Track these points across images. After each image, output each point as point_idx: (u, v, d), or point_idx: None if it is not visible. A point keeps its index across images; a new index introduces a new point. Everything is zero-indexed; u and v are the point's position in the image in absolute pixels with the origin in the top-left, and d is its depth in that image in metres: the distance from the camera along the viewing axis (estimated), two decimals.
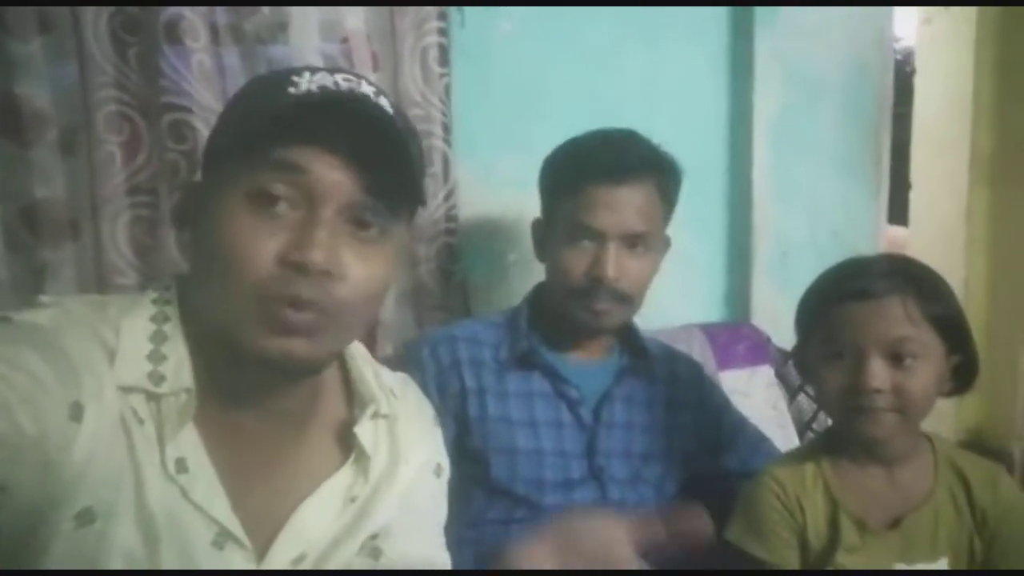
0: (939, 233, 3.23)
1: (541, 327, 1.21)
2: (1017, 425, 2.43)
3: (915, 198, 3.24)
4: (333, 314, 0.66)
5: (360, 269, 0.67)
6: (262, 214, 0.65)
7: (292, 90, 0.66)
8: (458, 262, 1.55)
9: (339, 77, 0.68)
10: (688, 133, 1.66)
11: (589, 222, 1.10)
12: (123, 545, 0.64)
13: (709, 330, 1.57)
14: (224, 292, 0.65)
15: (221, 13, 1.40)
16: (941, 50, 2.80)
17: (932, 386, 0.95)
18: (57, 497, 0.61)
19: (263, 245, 0.64)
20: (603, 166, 1.09)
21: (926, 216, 3.27)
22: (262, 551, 0.71)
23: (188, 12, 1.36)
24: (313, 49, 1.44)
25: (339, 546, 0.76)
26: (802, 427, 1.56)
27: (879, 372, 0.92)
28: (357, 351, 0.83)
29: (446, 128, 1.53)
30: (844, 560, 0.97)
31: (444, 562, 0.87)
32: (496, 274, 1.61)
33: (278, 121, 0.64)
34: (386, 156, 0.67)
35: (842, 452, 1.01)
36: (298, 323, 0.65)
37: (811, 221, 1.75)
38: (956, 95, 3.07)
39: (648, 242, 1.14)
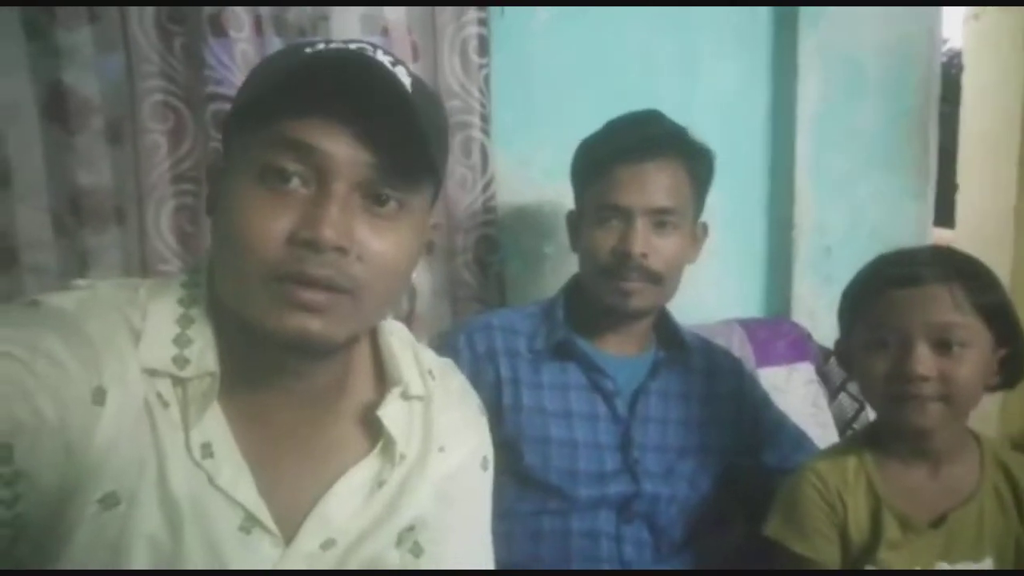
0: (986, 236, 3.16)
1: (577, 318, 1.21)
2: None
3: (962, 200, 3.18)
4: (350, 291, 0.65)
5: (378, 245, 0.66)
6: (274, 191, 0.64)
7: (307, 50, 0.66)
8: (495, 253, 1.55)
9: (353, 45, 0.67)
10: (729, 127, 1.65)
11: (615, 200, 1.11)
12: (147, 529, 0.64)
13: (748, 326, 1.54)
14: (239, 272, 0.64)
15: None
16: (989, 47, 2.74)
17: (979, 376, 0.93)
18: (80, 481, 0.61)
19: (274, 223, 0.63)
20: (628, 144, 1.11)
21: (972, 218, 3.20)
22: (289, 536, 0.70)
23: None
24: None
25: (371, 535, 0.75)
26: (843, 426, 1.53)
27: (925, 359, 0.91)
28: (396, 331, 0.82)
29: (485, 119, 1.52)
30: (886, 557, 0.95)
31: (487, 565, 0.85)
32: (533, 266, 1.60)
33: (285, 90, 0.62)
34: (397, 128, 0.64)
35: (886, 446, 0.99)
36: (311, 302, 0.63)
37: (853, 217, 1.71)
38: (1005, 94, 3.00)
39: (676, 220, 1.13)
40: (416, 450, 0.79)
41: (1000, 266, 3.21)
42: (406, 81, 0.66)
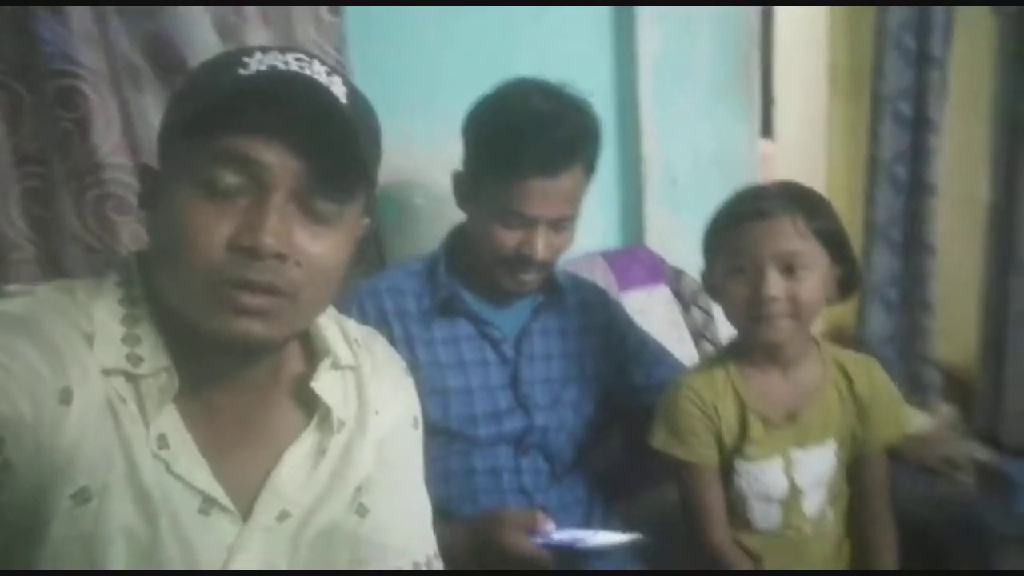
0: (803, 144, 3.48)
1: (460, 272, 1.27)
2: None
3: (779, 113, 3.47)
4: (289, 295, 0.69)
5: (315, 250, 0.69)
6: (213, 200, 0.66)
7: (241, 71, 0.67)
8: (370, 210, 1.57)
9: (290, 57, 0.69)
10: (577, 73, 1.72)
11: (522, 210, 1.13)
12: (121, 521, 0.67)
13: (609, 256, 1.67)
14: (181, 277, 0.67)
15: None
16: None
17: (820, 293, 1.08)
18: (51, 478, 0.64)
19: (215, 230, 0.66)
20: (538, 160, 1.11)
21: (789, 128, 3.50)
22: (246, 513, 0.75)
23: None
24: (201, 8, 1.39)
25: (324, 503, 0.79)
26: (696, 335, 1.71)
27: (775, 282, 1.04)
28: None
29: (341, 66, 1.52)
30: (751, 451, 1.11)
31: (427, 519, 0.92)
32: (406, 218, 1.64)
33: (224, 107, 0.65)
34: (333, 141, 0.68)
35: (746, 358, 1.14)
36: (253, 306, 0.67)
37: (695, 149, 1.87)
38: (812, 14, 3.26)
39: (574, 219, 1.20)
40: (353, 416, 0.84)
41: (816, 171, 3.56)
42: (341, 92, 0.69)
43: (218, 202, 0.66)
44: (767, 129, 3.52)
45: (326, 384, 0.81)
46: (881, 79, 2.42)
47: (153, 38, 1.37)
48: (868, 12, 3.08)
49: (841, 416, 1.15)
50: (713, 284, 1.15)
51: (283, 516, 0.77)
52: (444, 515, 1.15)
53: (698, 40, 1.86)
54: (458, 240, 1.29)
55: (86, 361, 0.67)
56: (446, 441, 1.20)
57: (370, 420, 0.85)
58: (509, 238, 1.16)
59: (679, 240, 1.83)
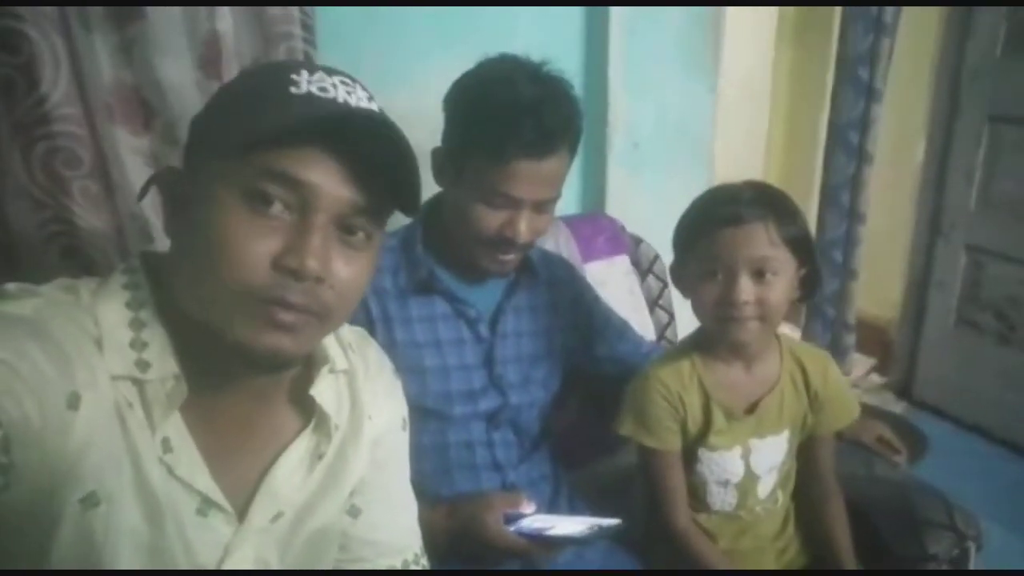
0: (748, 89, 3.52)
1: (435, 248, 1.26)
2: None
3: (725, 56, 3.48)
4: (318, 314, 0.70)
5: (346, 273, 0.71)
6: (257, 214, 0.67)
7: (293, 90, 0.67)
8: None
9: (336, 80, 0.70)
10: (546, 35, 1.70)
11: (508, 191, 1.13)
12: (129, 525, 0.69)
13: (572, 223, 1.67)
14: (213, 287, 0.67)
15: None
16: None
17: (787, 295, 1.12)
18: (58, 483, 0.64)
19: (259, 247, 0.66)
20: (526, 144, 1.10)
21: (735, 73, 3.52)
22: (242, 513, 0.77)
23: None
24: None
25: (319, 505, 0.82)
26: (651, 304, 1.75)
27: (746, 287, 1.08)
28: None
29: (308, 28, 1.44)
30: (714, 440, 1.17)
31: (414, 516, 0.96)
32: None
33: (280, 131, 0.65)
34: (393, 178, 0.70)
35: (710, 352, 1.19)
36: (287, 322, 0.68)
37: (658, 114, 1.86)
38: None
39: (556, 200, 1.20)
40: (347, 420, 0.86)
41: (758, 117, 3.61)
42: (397, 128, 0.70)
43: (264, 219, 0.67)
44: None
45: (324, 390, 0.82)
46: (844, 43, 2.44)
47: None
48: None
49: (796, 406, 1.21)
50: (683, 279, 1.18)
51: (277, 517, 0.79)
52: (419, 491, 1.18)
53: (669, 7, 1.84)
54: (434, 215, 1.27)
55: (94, 365, 0.67)
56: (421, 417, 1.20)
57: (364, 424, 0.87)
58: (493, 219, 1.16)
59: (638, 206, 1.85)
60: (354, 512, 0.88)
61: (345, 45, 1.51)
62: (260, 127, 0.65)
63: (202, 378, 0.72)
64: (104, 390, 0.67)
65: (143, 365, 0.69)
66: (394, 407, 0.94)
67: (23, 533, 0.65)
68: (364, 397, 0.88)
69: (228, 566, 0.75)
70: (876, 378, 3.11)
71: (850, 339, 2.85)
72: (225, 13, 1.35)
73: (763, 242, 1.08)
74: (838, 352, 2.80)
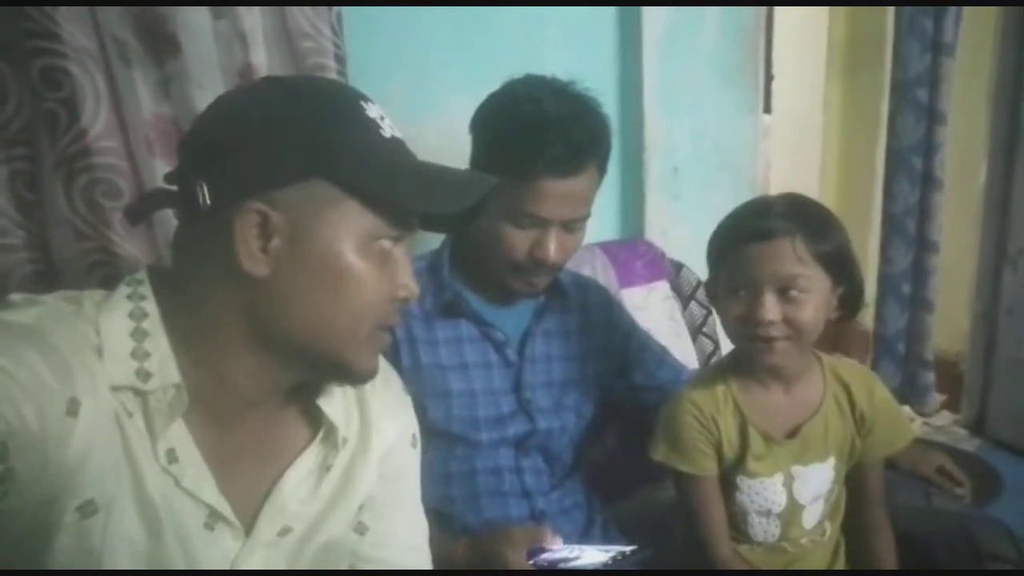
0: (800, 119, 3.46)
1: (463, 271, 1.25)
2: (866, 298, 2.72)
3: (777, 88, 3.44)
4: None
5: None
6: (377, 257, 0.74)
7: (383, 133, 0.74)
8: None
9: (388, 122, 0.77)
10: (579, 55, 1.69)
11: (537, 211, 1.11)
12: (127, 534, 0.69)
13: (609, 249, 1.65)
14: (335, 316, 0.73)
15: None
16: None
17: (818, 314, 1.06)
18: (57, 490, 0.64)
19: (380, 283, 0.74)
20: (552, 162, 1.08)
21: (787, 104, 3.47)
22: (249, 527, 0.76)
23: None
24: None
25: (327, 519, 0.81)
26: (695, 331, 1.70)
27: (771, 305, 1.03)
28: None
29: (340, 60, 1.46)
30: (753, 466, 1.11)
31: (424, 535, 0.94)
32: None
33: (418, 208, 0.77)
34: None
35: (746, 372, 1.13)
36: (385, 346, 0.80)
37: (696, 136, 1.83)
38: None
39: (586, 219, 1.18)
40: (356, 433, 0.85)
41: (810, 148, 3.54)
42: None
43: (380, 260, 0.74)
44: (766, 103, 3.49)
45: (331, 401, 0.82)
46: (899, 65, 2.37)
47: (143, 14, 1.31)
48: None
49: (841, 431, 1.14)
50: (715, 296, 1.13)
51: (284, 531, 0.79)
52: (445, 517, 1.16)
53: (705, 24, 1.81)
54: (462, 238, 1.26)
55: (94, 373, 0.67)
56: (448, 443, 1.20)
57: (373, 438, 0.86)
58: (521, 240, 1.14)
59: (679, 231, 1.81)
60: (361, 529, 0.87)
61: (374, 78, 1.52)
62: (397, 197, 0.73)
63: (211, 390, 0.73)
64: (104, 398, 0.67)
65: (144, 375, 0.69)
66: (403, 422, 0.93)
67: (22, 543, 0.65)
68: (373, 410, 0.87)
69: None
70: (947, 415, 2.95)
71: (928, 377, 2.68)
72: (259, 45, 1.38)
73: (790, 258, 1.03)
74: (916, 392, 2.65)
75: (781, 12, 3.18)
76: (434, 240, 1.32)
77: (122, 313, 0.71)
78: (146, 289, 0.73)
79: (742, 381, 1.13)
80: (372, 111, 0.74)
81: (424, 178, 0.76)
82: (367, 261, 0.73)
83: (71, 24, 1.26)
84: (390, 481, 0.89)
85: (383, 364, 0.93)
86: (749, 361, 1.11)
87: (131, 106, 1.32)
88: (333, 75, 1.46)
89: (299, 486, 0.80)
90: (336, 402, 0.83)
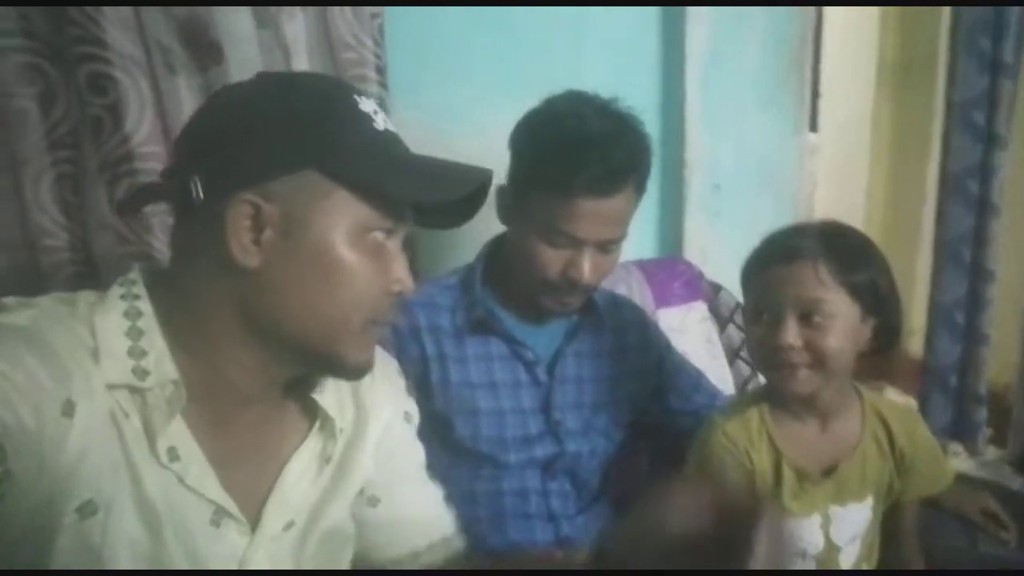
0: (847, 139, 3.38)
1: (495, 288, 1.23)
2: (913, 325, 2.64)
3: (824, 106, 3.36)
4: None
5: None
6: (369, 251, 0.74)
7: (375, 126, 0.74)
8: None
9: (382, 116, 0.76)
10: (620, 70, 1.67)
11: (572, 231, 1.10)
12: (127, 534, 0.69)
13: (646, 268, 1.62)
14: (329, 308, 0.73)
15: None
16: None
17: (844, 343, 1.02)
18: (54, 492, 0.65)
19: (375, 276, 0.74)
20: (591, 181, 1.07)
21: (834, 123, 3.40)
22: (254, 522, 0.77)
23: None
24: None
25: (324, 509, 0.82)
26: (732, 355, 1.66)
27: (792, 330, 1.00)
28: None
29: (380, 71, 1.47)
30: (789, 504, 1.07)
31: (436, 497, 0.96)
32: None
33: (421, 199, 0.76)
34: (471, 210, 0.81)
35: (780, 404, 1.10)
36: (379, 340, 0.79)
37: (739, 154, 1.80)
38: (864, 9, 3.14)
39: (622, 240, 1.17)
40: (352, 421, 0.86)
41: (858, 167, 3.46)
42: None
43: (372, 253, 0.74)
44: (812, 122, 3.42)
45: (326, 392, 0.83)
46: (954, 85, 2.29)
47: (188, 22, 1.32)
48: (922, 9, 2.95)
49: (880, 470, 1.10)
50: (745, 317, 1.11)
51: (289, 525, 0.79)
52: (470, 538, 1.13)
53: (749, 39, 1.78)
54: (496, 254, 1.26)
55: (90, 373, 0.67)
56: (474, 463, 1.19)
57: (369, 425, 0.87)
58: (555, 259, 1.13)
59: (719, 251, 1.78)
60: (372, 502, 0.89)
61: (414, 89, 1.52)
62: (388, 188, 0.73)
63: (209, 387, 0.73)
64: (99, 399, 0.67)
65: (141, 373, 0.69)
66: (396, 401, 0.94)
67: (22, 544, 0.66)
68: (368, 401, 0.88)
69: None
70: (994, 450, 2.84)
71: (980, 413, 2.57)
72: (301, 55, 1.39)
73: (811, 282, 0.99)
74: (966, 429, 2.54)
75: (829, 29, 3.12)
76: (467, 255, 1.32)
77: (117, 312, 0.71)
78: (140, 289, 0.74)
79: (776, 412, 1.10)
80: (365, 105, 0.74)
81: (416, 169, 0.76)
82: (359, 253, 0.72)
83: (117, 31, 1.27)
84: (391, 454, 0.90)
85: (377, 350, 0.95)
86: (775, 390, 1.08)
87: (174, 112, 1.33)
88: (374, 86, 1.46)
89: (300, 479, 0.81)
90: (330, 394, 0.83)
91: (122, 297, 0.73)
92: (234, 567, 0.75)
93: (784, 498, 1.07)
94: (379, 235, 0.74)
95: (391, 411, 0.92)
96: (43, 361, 0.64)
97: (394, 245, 0.76)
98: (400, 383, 0.96)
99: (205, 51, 1.32)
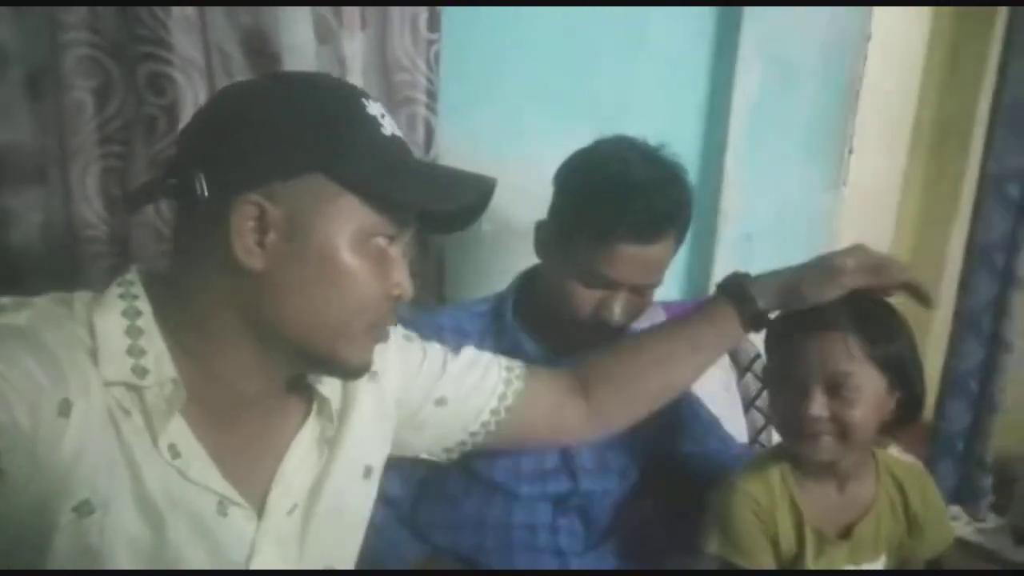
0: (875, 197, 3.38)
1: (525, 319, 1.24)
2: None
3: (855, 162, 3.37)
4: None
5: None
6: (372, 257, 0.74)
7: (384, 132, 0.74)
8: None
9: (389, 120, 0.76)
10: (664, 111, 1.69)
11: (611, 275, 1.11)
12: (127, 532, 0.69)
13: (672, 309, 1.62)
14: (331, 311, 0.74)
15: None
16: (897, 18, 2.85)
17: (869, 416, 1.02)
18: (50, 492, 0.65)
19: (375, 280, 0.75)
20: (633, 227, 1.08)
21: (863, 179, 3.40)
22: (259, 508, 0.78)
23: None
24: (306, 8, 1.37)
25: (320, 489, 0.83)
26: (747, 404, 1.66)
27: (818, 401, 1.01)
28: None
29: (431, 95, 1.49)
30: (813, 565, 1.07)
31: (477, 356, 1.04)
32: (471, 242, 1.62)
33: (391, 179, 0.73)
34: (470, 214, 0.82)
35: (800, 466, 1.10)
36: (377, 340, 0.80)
37: (776, 206, 1.81)
38: (906, 65, 3.15)
39: (656, 285, 1.18)
40: (340, 397, 0.87)
41: (884, 226, 3.46)
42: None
43: (375, 258, 0.75)
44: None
45: (320, 379, 0.84)
46: (992, 157, 2.29)
47: (251, 31, 1.35)
48: (967, 69, 2.96)
49: (893, 530, 1.11)
50: (769, 381, 1.11)
51: (293, 510, 0.81)
52: (476, 566, 1.14)
53: (798, 94, 1.80)
54: (528, 285, 1.27)
55: (87, 373, 0.67)
56: (486, 492, 1.19)
57: (359, 392, 0.89)
58: (588, 298, 1.14)
59: None
60: (441, 402, 0.97)
61: (463, 115, 1.54)
62: (393, 194, 0.73)
63: (207, 384, 0.74)
64: (97, 398, 0.68)
65: (141, 371, 0.70)
66: (397, 362, 0.96)
67: (19, 544, 0.66)
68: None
69: (257, 563, 0.77)
70: (994, 518, 2.82)
71: (986, 481, 2.57)
72: (356, 72, 1.41)
73: (842, 356, 1.00)
74: (970, 496, 2.53)
75: (870, 85, 3.14)
76: (496, 282, 1.33)
77: (116, 312, 0.72)
78: (138, 289, 0.74)
79: (797, 472, 1.10)
80: (373, 108, 0.75)
81: (421, 176, 0.77)
82: (362, 258, 0.73)
83: (181, 33, 1.30)
84: (422, 374, 0.97)
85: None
86: (797, 456, 1.08)
87: None
88: (422, 109, 1.49)
89: (301, 463, 0.82)
90: (325, 378, 0.85)
91: (120, 297, 0.73)
92: (245, 551, 0.77)
93: (805, 561, 1.07)
94: (382, 240, 0.74)
95: (397, 359, 0.95)
96: (40, 361, 0.64)
97: (395, 251, 0.77)
98: (405, 344, 0.99)
99: (265, 61, 1.34)
